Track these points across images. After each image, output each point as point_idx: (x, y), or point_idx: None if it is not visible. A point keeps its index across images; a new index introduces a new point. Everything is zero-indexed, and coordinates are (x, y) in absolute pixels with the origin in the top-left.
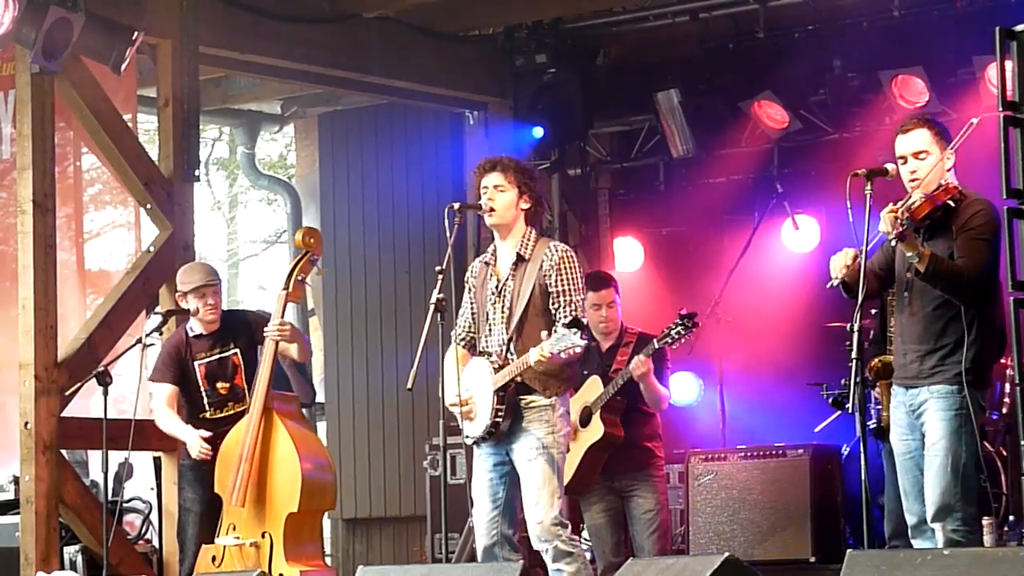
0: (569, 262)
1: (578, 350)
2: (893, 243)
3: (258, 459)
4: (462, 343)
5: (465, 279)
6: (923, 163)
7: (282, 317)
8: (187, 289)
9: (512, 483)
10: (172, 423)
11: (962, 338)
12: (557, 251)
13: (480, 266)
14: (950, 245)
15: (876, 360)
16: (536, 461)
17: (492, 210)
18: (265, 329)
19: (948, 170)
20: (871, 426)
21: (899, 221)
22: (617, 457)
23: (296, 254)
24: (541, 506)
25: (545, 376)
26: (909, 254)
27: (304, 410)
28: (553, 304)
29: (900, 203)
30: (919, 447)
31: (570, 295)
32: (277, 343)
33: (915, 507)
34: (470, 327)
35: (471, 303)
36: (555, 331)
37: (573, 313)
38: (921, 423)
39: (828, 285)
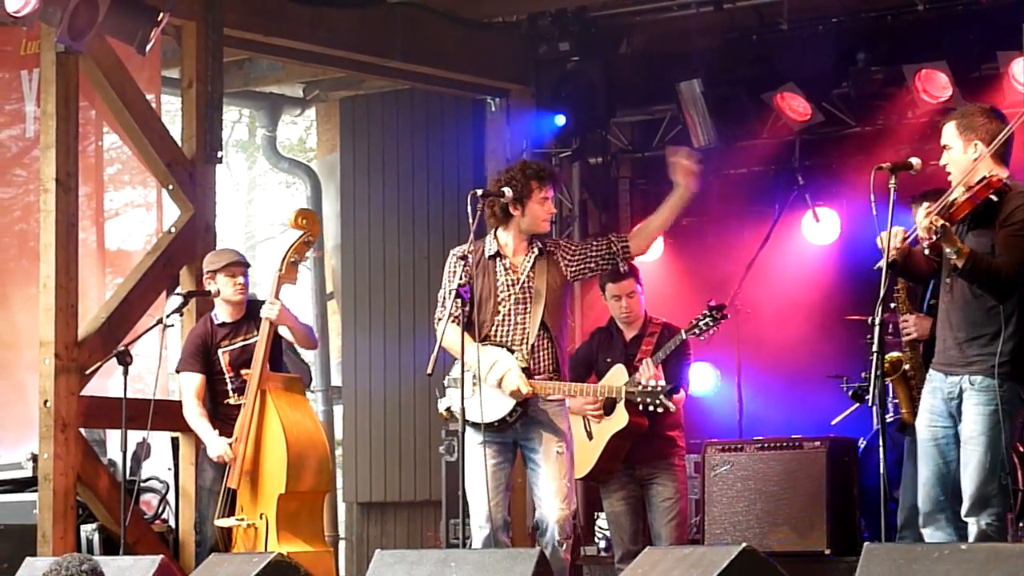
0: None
1: (659, 410)
2: (926, 250)
3: (252, 440)
4: (455, 321)
5: (458, 261)
6: (948, 155)
7: (275, 297)
8: (218, 267)
9: (511, 471)
10: (199, 422)
11: (1000, 330)
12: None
13: (486, 259)
14: (993, 238)
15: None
16: (564, 455)
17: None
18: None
19: (976, 160)
20: (889, 420)
21: (933, 229)
22: (639, 445)
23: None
24: (570, 499)
25: (559, 373)
26: (948, 250)
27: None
28: (592, 247)
29: (940, 201)
30: (947, 435)
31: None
32: (272, 324)
33: (933, 493)
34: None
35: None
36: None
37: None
38: (958, 411)
39: (876, 267)
